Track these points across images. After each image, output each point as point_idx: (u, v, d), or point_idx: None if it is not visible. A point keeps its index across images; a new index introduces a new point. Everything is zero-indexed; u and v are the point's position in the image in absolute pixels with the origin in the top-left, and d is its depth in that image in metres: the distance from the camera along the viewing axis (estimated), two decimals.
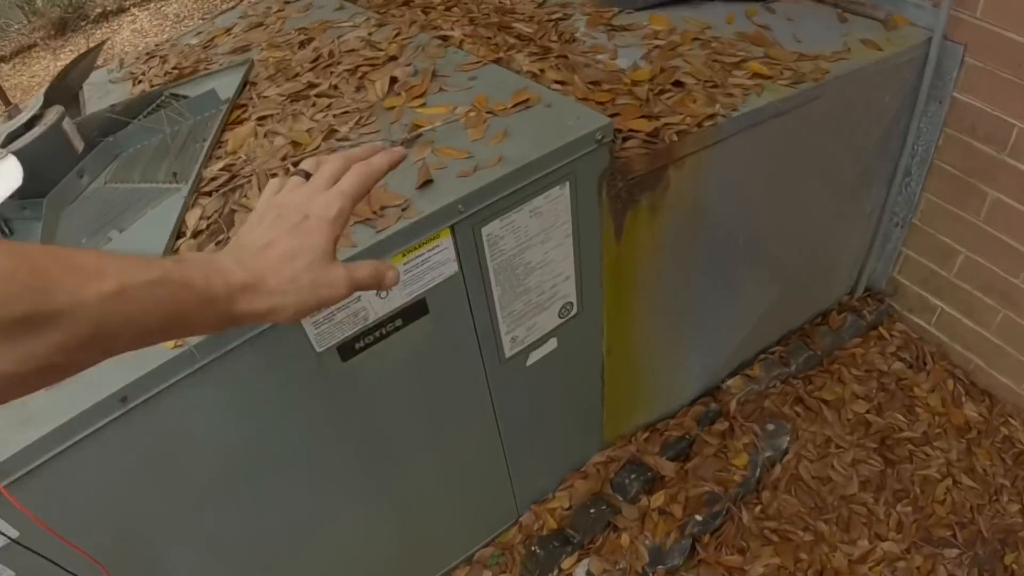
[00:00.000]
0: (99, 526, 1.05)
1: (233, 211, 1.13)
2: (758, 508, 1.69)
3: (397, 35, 1.52)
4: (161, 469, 1.07)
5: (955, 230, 1.77)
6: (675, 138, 1.26)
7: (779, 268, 1.72)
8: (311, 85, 1.39)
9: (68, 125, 1.34)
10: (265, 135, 1.28)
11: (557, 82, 1.37)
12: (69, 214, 1.29)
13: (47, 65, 4.82)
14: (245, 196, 1.14)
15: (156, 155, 1.33)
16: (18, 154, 1.25)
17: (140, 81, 1.64)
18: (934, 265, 1.87)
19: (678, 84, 1.42)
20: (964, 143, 1.65)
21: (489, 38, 1.55)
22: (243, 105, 1.40)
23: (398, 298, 1.09)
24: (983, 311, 1.81)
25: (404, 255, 1.04)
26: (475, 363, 1.27)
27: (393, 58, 1.43)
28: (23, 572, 1.00)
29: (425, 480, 1.40)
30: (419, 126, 1.20)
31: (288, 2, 1.84)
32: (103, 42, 1.60)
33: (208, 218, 1.13)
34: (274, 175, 1.17)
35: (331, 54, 1.49)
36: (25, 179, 1.24)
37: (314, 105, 1.33)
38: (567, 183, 1.16)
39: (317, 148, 1.20)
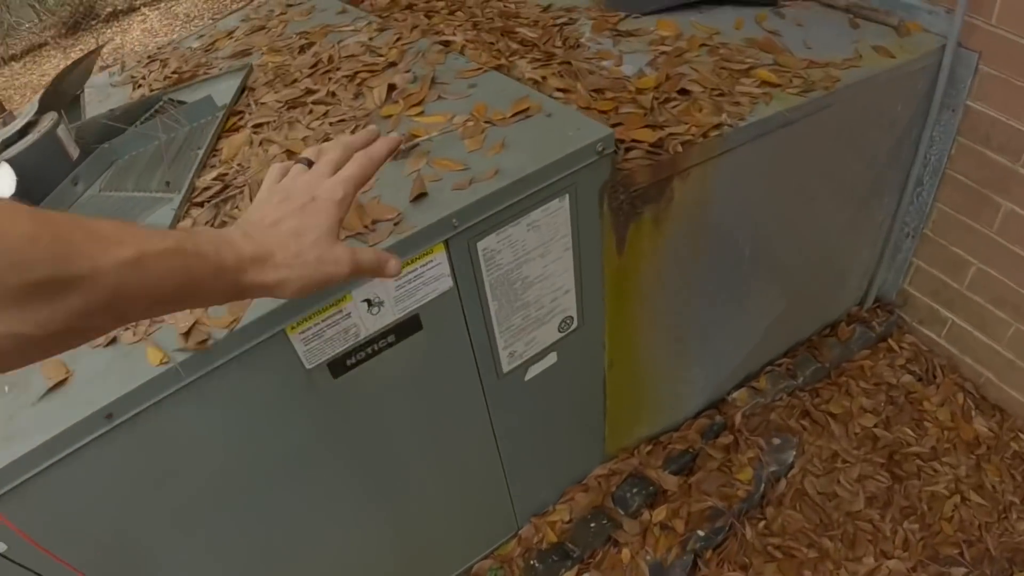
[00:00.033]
0: (87, 540, 1.02)
1: (224, 223, 1.09)
2: (762, 524, 1.64)
3: (398, 40, 1.48)
4: (149, 485, 1.04)
5: (967, 241, 1.71)
6: (679, 149, 1.21)
7: (787, 279, 1.67)
8: (309, 92, 1.35)
9: (63, 132, 1.31)
10: (260, 143, 1.24)
11: (559, 90, 1.32)
12: None
13: (57, 64, 4.80)
14: (236, 207, 1.11)
15: (151, 163, 1.30)
16: (11, 161, 1.22)
17: (140, 85, 1.61)
18: (945, 276, 1.81)
19: (684, 92, 1.37)
20: (978, 153, 1.59)
21: (492, 43, 1.50)
22: (240, 112, 1.36)
23: (390, 314, 1.05)
24: (995, 324, 1.75)
25: None
26: (471, 378, 1.23)
27: (393, 64, 1.39)
28: None
29: (422, 493, 1.36)
30: (416, 136, 1.16)
31: (291, 5, 1.80)
32: (101, 46, 1.57)
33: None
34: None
35: (330, 59, 1.45)
36: (19, 187, 1.20)
37: (311, 112, 1.29)
38: (567, 196, 1.11)
39: None
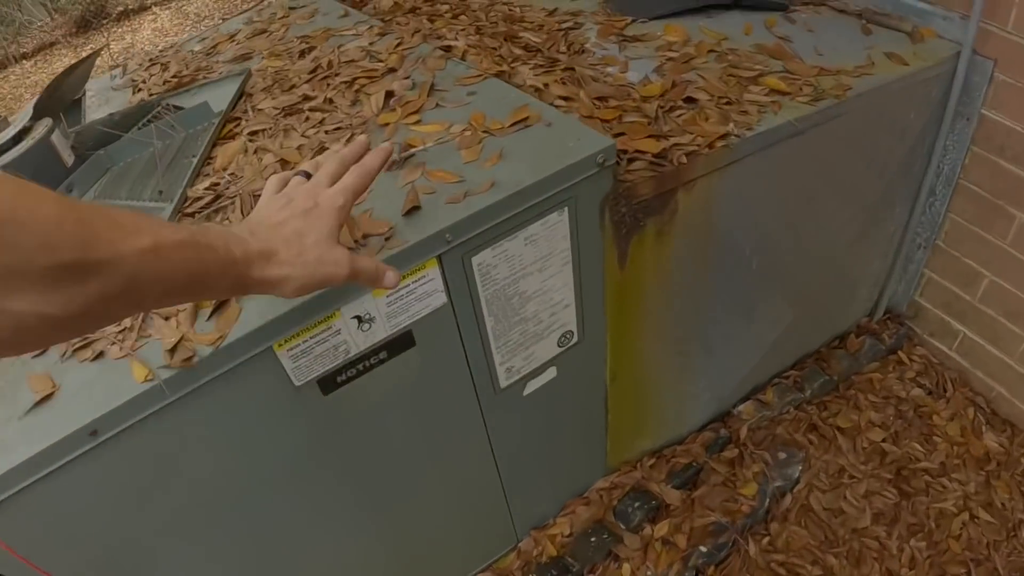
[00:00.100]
0: (74, 555, 0.98)
1: None
2: (766, 540, 1.58)
3: (398, 45, 1.43)
4: (136, 501, 1.00)
5: (980, 253, 1.64)
6: (684, 160, 1.15)
7: (795, 292, 1.60)
8: (306, 98, 1.30)
9: (57, 138, 1.26)
10: (255, 151, 1.19)
11: (561, 98, 1.27)
12: None
13: (68, 63, 4.78)
14: (227, 219, 1.06)
15: (145, 171, 1.25)
16: (4, 169, 1.18)
17: (140, 89, 1.57)
18: (957, 289, 1.74)
19: (690, 100, 1.31)
20: (992, 163, 1.52)
21: (494, 49, 1.45)
22: (237, 118, 1.31)
23: (382, 330, 0.99)
24: (1007, 338, 1.68)
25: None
26: (467, 394, 1.17)
27: (392, 70, 1.34)
28: None
29: (418, 507, 1.31)
30: (411, 145, 1.10)
31: (293, 8, 1.75)
32: (99, 50, 1.53)
33: None
34: (259, 195, 1.08)
35: (329, 64, 1.39)
36: None
37: (307, 119, 1.24)
38: (566, 209, 1.05)
39: None
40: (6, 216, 0.44)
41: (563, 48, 1.49)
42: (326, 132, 1.19)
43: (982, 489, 1.67)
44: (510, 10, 1.69)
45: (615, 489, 1.59)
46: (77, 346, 0.98)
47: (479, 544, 1.52)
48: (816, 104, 1.29)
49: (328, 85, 1.33)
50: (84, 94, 1.68)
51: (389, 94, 1.25)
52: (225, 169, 1.18)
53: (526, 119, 1.12)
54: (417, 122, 1.17)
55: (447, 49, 1.43)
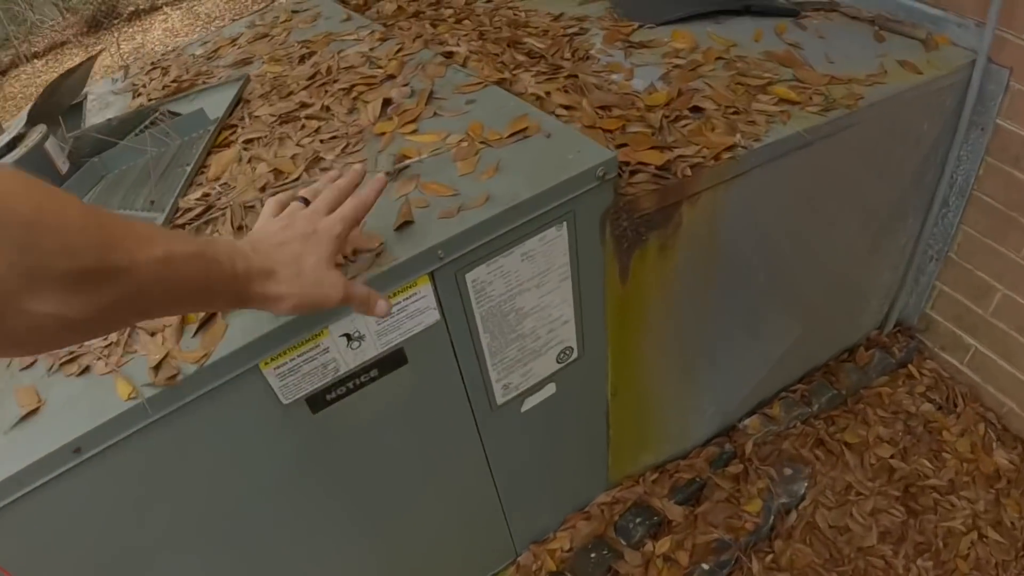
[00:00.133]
0: (59, 572, 0.96)
1: None
2: (769, 558, 1.52)
3: (399, 51, 1.38)
4: (121, 519, 0.97)
5: (993, 266, 1.58)
6: (688, 173, 1.10)
7: (804, 305, 1.55)
8: (303, 105, 1.26)
9: (51, 145, 1.23)
10: (249, 160, 1.15)
11: (563, 106, 1.22)
12: None
13: (77, 62, 4.77)
14: (216, 231, 1.02)
15: (139, 179, 1.22)
16: None
17: (140, 94, 1.53)
18: (969, 302, 1.68)
19: (696, 110, 1.25)
20: (1006, 174, 1.46)
21: (496, 55, 1.40)
22: (233, 126, 1.27)
23: (372, 348, 0.95)
24: (1020, 352, 1.62)
25: None
26: (463, 411, 1.13)
27: (391, 76, 1.30)
28: None
29: (413, 523, 1.27)
30: (406, 156, 1.06)
31: (296, 11, 1.71)
32: (96, 54, 1.49)
33: None
34: (250, 207, 1.05)
35: (328, 71, 1.36)
36: None
37: (303, 128, 1.20)
38: (564, 224, 1.01)
39: (298, 179, 1.07)
40: (32, 219, 0.45)
41: (567, 54, 1.44)
42: (321, 141, 1.15)
43: (991, 507, 1.61)
44: (515, 15, 1.65)
45: (617, 504, 1.55)
46: (63, 360, 0.95)
47: (476, 559, 1.48)
48: (826, 114, 1.23)
49: (326, 92, 1.29)
50: (85, 98, 1.65)
51: (387, 102, 1.21)
52: (218, 179, 1.14)
53: (525, 129, 1.08)
54: (414, 132, 1.13)
55: (448, 55, 1.38)
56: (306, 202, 0.78)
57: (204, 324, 0.90)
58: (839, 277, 1.58)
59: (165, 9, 5.17)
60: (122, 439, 0.88)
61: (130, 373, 0.90)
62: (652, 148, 1.14)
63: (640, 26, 1.56)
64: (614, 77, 1.36)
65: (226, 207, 1.05)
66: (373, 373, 0.98)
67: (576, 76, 1.34)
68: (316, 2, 1.74)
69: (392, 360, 0.98)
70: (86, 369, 0.93)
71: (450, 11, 1.66)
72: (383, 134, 1.14)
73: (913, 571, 1.51)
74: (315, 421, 1.00)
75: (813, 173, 1.29)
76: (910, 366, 1.82)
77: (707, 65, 1.39)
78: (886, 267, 1.68)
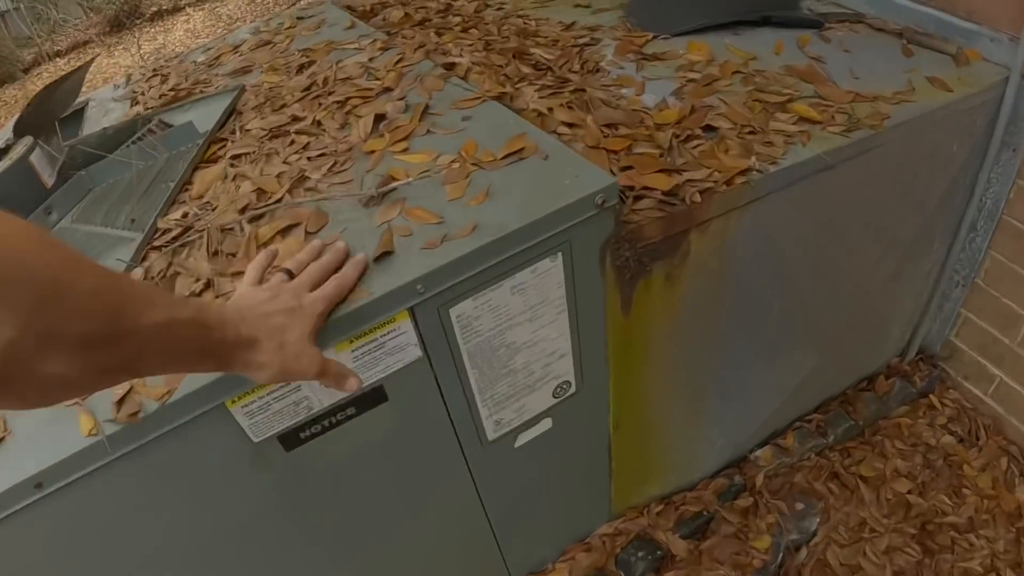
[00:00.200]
0: None
1: (176, 273, 0.93)
2: None
3: (399, 62, 1.30)
4: (84, 555, 0.91)
5: (1022, 294, 1.46)
6: (697, 199, 1.01)
7: (821, 335, 1.44)
8: (295, 119, 1.19)
9: (37, 158, 1.17)
10: (234, 178, 1.08)
11: (566, 124, 1.13)
12: None
13: (100, 62, 4.73)
14: (190, 256, 0.95)
15: (123, 195, 1.15)
16: None
17: (138, 102, 1.47)
18: (996, 331, 1.55)
19: (709, 128, 1.16)
20: None
21: (500, 67, 1.31)
22: (223, 139, 1.20)
23: None
24: None
25: (351, 341, 0.83)
26: (450, 448, 1.05)
27: (388, 89, 1.21)
28: None
29: (400, 559, 1.19)
30: (393, 178, 0.98)
31: (301, 18, 1.64)
32: (88, 62, 1.43)
33: (151, 279, 0.94)
34: (228, 230, 0.97)
35: (325, 82, 1.28)
36: None
37: (292, 143, 1.12)
38: (559, 255, 0.92)
39: (280, 200, 1.00)
40: (52, 284, 0.45)
41: (576, 66, 1.35)
42: (308, 159, 1.07)
43: (1011, 547, 1.49)
44: (525, 23, 1.56)
45: (619, 536, 1.45)
46: None
47: None
48: (850, 135, 1.13)
49: (320, 105, 1.21)
50: (87, 104, 1.59)
51: (379, 117, 1.12)
52: (201, 197, 1.07)
53: (521, 150, 0.99)
54: (404, 150, 1.04)
55: (450, 66, 1.30)
56: (289, 274, 0.79)
57: None
58: (859, 305, 1.46)
59: (187, 10, 5.12)
60: (84, 475, 0.82)
61: (94, 407, 0.83)
62: (659, 171, 1.04)
63: (654, 36, 1.46)
64: (624, 91, 1.26)
65: (203, 230, 0.97)
66: (350, 411, 0.90)
67: (583, 90, 1.24)
68: (322, 9, 1.66)
69: (371, 398, 0.90)
70: None
71: (458, 19, 1.58)
72: (372, 152, 1.05)
73: None
74: (289, 459, 0.92)
75: (834, 198, 1.19)
76: (931, 396, 1.70)
77: (723, 80, 1.28)
78: (909, 294, 1.56)
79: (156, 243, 1.00)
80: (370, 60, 1.33)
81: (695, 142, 1.12)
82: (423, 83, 1.21)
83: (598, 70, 1.35)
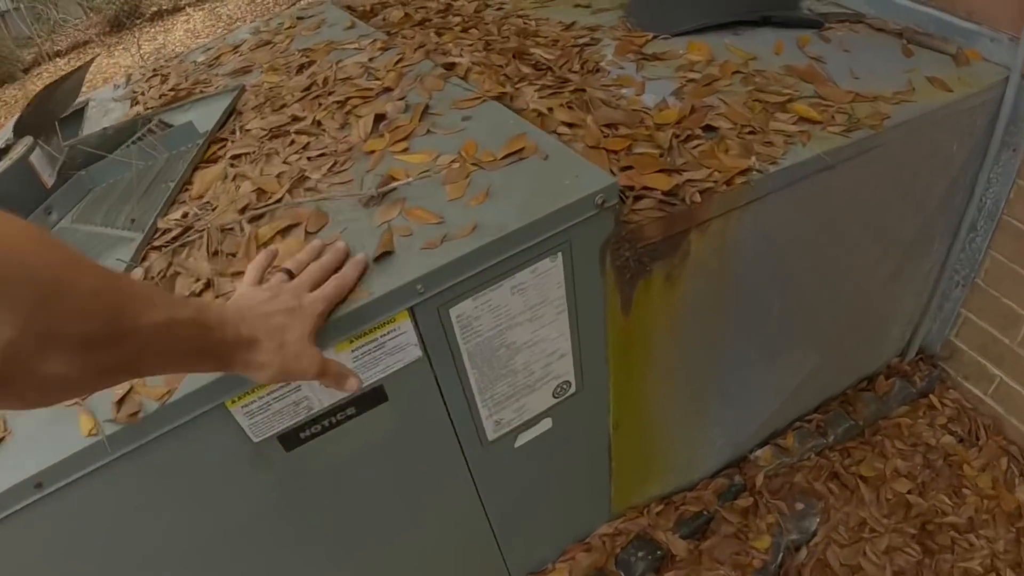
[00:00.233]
0: None
1: (176, 273, 0.93)
2: None
3: (398, 62, 1.30)
4: (84, 556, 0.90)
5: (1022, 294, 1.45)
6: (697, 199, 1.00)
7: (821, 334, 1.43)
8: (295, 119, 1.18)
9: (37, 158, 1.17)
10: (234, 178, 1.08)
11: (566, 124, 1.12)
12: None
13: (100, 62, 4.71)
14: (190, 256, 0.94)
15: (123, 195, 1.15)
16: None
17: (138, 102, 1.46)
18: (996, 331, 1.55)
19: (709, 128, 1.15)
20: None
21: (500, 67, 1.31)
22: (223, 139, 1.20)
23: None
24: None
25: (351, 341, 0.83)
26: (450, 448, 1.04)
27: (388, 89, 1.21)
28: None
29: (399, 558, 1.19)
30: (393, 178, 0.97)
31: (301, 18, 1.63)
32: (89, 62, 1.42)
33: (151, 279, 0.94)
34: (228, 230, 0.97)
35: (325, 82, 1.27)
36: None
37: (292, 143, 1.12)
38: (559, 255, 0.91)
39: (280, 200, 0.99)
40: (51, 282, 0.45)
41: (575, 67, 1.34)
42: (308, 159, 1.07)
43: (1011, 547, 1.48)
44: (525, 23, 1.55)
45: (619, 535, 1.45)
46: None
47: None
48: (850, 135, 1.12)
49: (320, 105, 1.20)
50: (87, 104, 1.59)
51: (379, 117, 1.12)
52: (201, 197, 1.06)
53: (521, 150, 0.99)
54: (404, 150, 1.04)
55: (450, 66, 1.29)
56: (289, 274, 0.79)
57: None
58: (859, 305, 1.46)
59: (187, 10, 5.10)
60: (84, 475, 0.82)
61: (94, 407, 0.83)
62: (659, 171, 1.04)
63: (654, 36, 1.45)
64: (624, 92, 1.26)
65: (203, 230, 0.97)
66: (350, 411, 0.90)
67: (583, 90, 1.24)
68: (322, 9, 1.66)
69: (371, 398, 0.90)
70: None
71: (458, 19, 1.57)
72: (372, 152, 1.05)
73: None
74: (289, 459, 0.91)
75: (834, 198, 1.18)
76: (931, 396, 1.69)
77: (723, 80, 1.28)
78: (909, 294, 1.56)
79: (156, 243, 0.99)
80: (370, 60, 1.32)
81: (695, 142, 1.12)
82: (423, 83, 1.21)
83: (598, 70, 1.34)
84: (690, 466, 1.48)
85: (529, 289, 0.91)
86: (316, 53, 1.41)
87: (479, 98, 1.14)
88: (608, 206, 0.91)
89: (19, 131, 1.20)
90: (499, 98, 1.17)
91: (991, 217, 1.44)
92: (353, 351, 0.83)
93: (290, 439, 0.89)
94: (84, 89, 1.50)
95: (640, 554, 1.41)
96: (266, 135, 1.16)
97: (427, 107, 1.13)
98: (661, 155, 1.08)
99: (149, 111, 1.38)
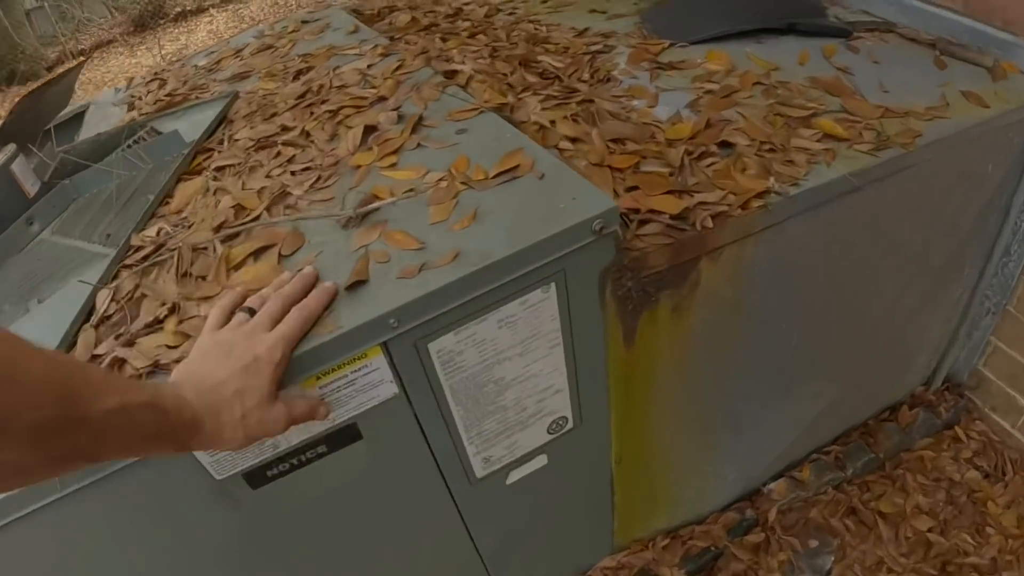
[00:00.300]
0: None
1: (143, 296, 0.84)
2: None
3: (397, 69, 1.21)
4: None
5: None
6: (709, 224, 0.90)
7: (842, 366, 1.31)
8: (284, 129, 1.10)
9: (19, 166, 1.10)
10: (215, 192, 0.99)
11: (568, 138, 1.03)
12: (8, 268, 1.05)
13: (123, 62, 4.69)
14: (159, 278, 0.86)
15: (103, 207, 1.07)
16: None
17: (135, 107, 1.40)
18: None
19: (725, 145, 1.04)
20: None
21: (505, 75, 1.21)
22: (210, 150, 1.12)
23: (317, 425, 0.78)
24: None
25: (318, 378, 0.74)
26: (435, 486, 0.95)
27: (383, 98, 1.12)
28: None
29: None
30: (377, 197, 0.88)
31: (306, 21, 1.55)
32: (79, 65, 1.35)
33: (117, 301, 0.86)
34: (201, 249, 0.88)
35: (319, 89, 1.19)
36: None
37: (278, 155, 1.04)
38: (552, 285, 0.82)
39: (258, 217, 0.91)
40: (2, 374, 0.44)
41: (585, 75, 1.24)
42: (292, 173, 0.98)
43: None
44: (535, 29, 1.45)
45: (621, 569, 1.35)
46: None
47: None
48: (878, 154, 1.01)
49: (311, 114, 1.12)
50: (87, 108, 1.52)
51: (370, 129, 1.03)
52: (179, 212, 0.98)
53: (515, 168, 0.89)
54: (392, 165, 0.95)
55: (451, 74, 1.20)
56: (251, 312, 0.73)
57: None
58: (884, 334, 1.34)
59: (211, 11, 5.06)
60: (35, 510, 0.74)
61: None
62: (668, 192, 0.93)
63: (671, 44, 1.35)
64: (635, 103, 1.16)
65: (175, 249, 0.89)
66: (321, 449, 0.81)
67: (591, 101, 1.14)
68: (328, 13, 1.58)
69: (343, 435, 0.81)
70: None
71: (467, 24, 1.48)
72: (359, 167, 0.96)
73: None
74: (256, 497, 0.83)
75: (859, 222, 1.07)
76: (957, 428, 1.56)
77: (743, 91, 1.17)
78: (937, 321, 1.43)
79: (128, 261, 0.92)
80: (368, 67, 1.24)
81: (709, 160, 1.01)
82: (420, 92, 1.11)
83: (609, 79, 1.24)
84: (699, 499, 1.37)
85: (519, 322, 0.82)
86: (315, 59, 1.33)
87: (477, 109, 1.04)
88: (607, 232, 0.81)
89: (2, 138, 1.13)
90: (499, 109, 1.08)
91: None
92: (321, 388, 0.75)
93: (256, 477, 0.81)
94: (104, 90, 1.43)
95: None
96: (253, 146, 1.08)
97: (421, 118, 1.04)
98: (671, 174, 0.97)
99: (143, 117, 1.31)
